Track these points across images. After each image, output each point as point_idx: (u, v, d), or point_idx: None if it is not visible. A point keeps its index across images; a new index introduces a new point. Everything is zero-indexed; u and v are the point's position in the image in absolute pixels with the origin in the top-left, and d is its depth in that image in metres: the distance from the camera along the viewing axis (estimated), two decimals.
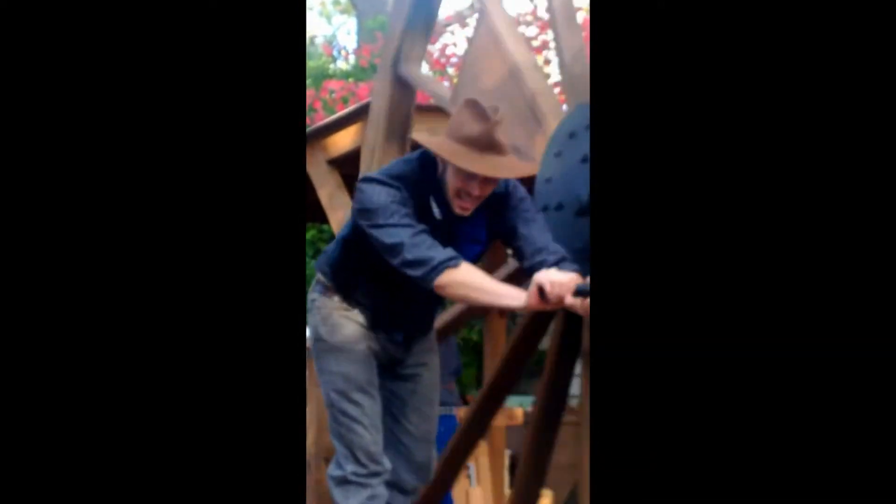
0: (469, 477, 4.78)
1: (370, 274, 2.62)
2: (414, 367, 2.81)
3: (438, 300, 2.73)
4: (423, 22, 3.39)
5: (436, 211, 2.54)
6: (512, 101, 2.76)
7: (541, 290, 2.31)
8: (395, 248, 2.41)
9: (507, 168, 2.45)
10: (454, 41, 8.75)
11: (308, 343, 2.74)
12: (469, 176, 2.43)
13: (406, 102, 3.44)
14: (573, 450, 2.78)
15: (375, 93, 3.50)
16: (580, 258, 2.43)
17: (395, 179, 2.49)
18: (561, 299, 2.29)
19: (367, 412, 2.65)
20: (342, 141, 3.90)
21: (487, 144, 2.40)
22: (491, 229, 2.62)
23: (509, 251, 3.03)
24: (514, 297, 2.38)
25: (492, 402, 3.03)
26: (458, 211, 2.51)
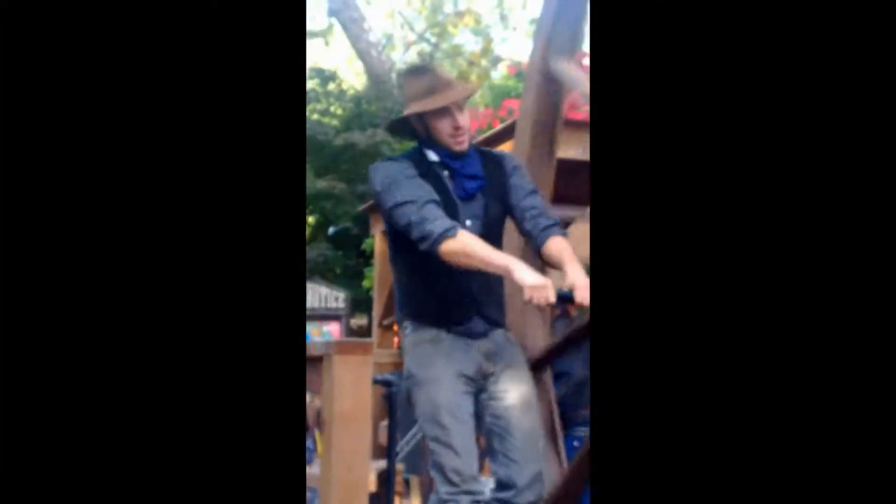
0: None
1: (425, 267, 2.73)
2: (506, 384, 2.80)
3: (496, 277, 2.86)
4: (573, 19, 3.25)
5: (433, 156, 2.79)
6: None
7: (562, 296, 2.48)
8: (407, 229, 2.66)
9: (462, 90, 2.78)
10: None
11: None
12: (444, 114, 2.74)
13: (554, 104, 3.29)
14: None
15: (524, 98, 3.40)
16: None
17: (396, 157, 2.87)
18: (544, 301, 2.46)
19: (455, 435, 2.66)
20: None
21: (439, 85, 2.76)
22: (489, 180, 2.83)
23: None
24: (505, 266, 2.55)
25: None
26: (457, 148, 2.77)
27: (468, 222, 2.73)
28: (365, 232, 5.98)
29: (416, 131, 2.82)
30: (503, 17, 15.96)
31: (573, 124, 4.35)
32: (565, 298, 2.51)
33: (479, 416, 2.77)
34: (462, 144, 2.77)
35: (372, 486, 4.33)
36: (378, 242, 6.10)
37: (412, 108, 2.77)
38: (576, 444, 4.43)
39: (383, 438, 4.74)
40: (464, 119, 2.77)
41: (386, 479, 3.76)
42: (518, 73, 10.50)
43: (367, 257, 7.89)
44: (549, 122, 3.29)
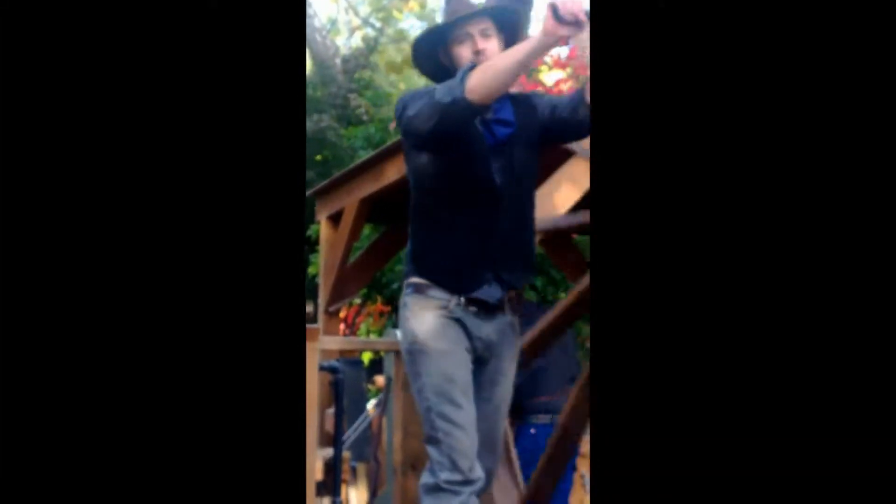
0: (584, 486, 4.58)
1: (443, 222, 2.63)
2: (490, 378, 2.72)
3: (529, 220, 2.73)
4: (519, 5, 3.23)
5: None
6: None
7: (555, 13, 2.31)
8: (426, 108, 2.49)
9: (473, 5, 2.68)
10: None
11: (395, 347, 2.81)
12: (464, 39, 2.62)
13: None
14: None
15: None
16: None
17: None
18: (576, 16, 2.29)
19: (467, 414, 2.54)
20: None
21: (460, 7, 2.64)
22: (520, 118, 2.68)
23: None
24: (533, 42, 2.40)
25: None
26: None
27: (494, 165, 2.61)
28: (310, 218, 5.94)
29: (442, 66, 2.70)
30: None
31: None
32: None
33: None
34: None
35: (318, 474, 4.30)
36: (323, 229, 6.04)
37: (451, 16, 2.64)
38: (532, 430, 4.44)
39: (329, 426, 4.70)
40: (487, 44, 2.62)
41: (332, 466, 3.73)
42: None
43: (312, 244, 7.84)
44: None
